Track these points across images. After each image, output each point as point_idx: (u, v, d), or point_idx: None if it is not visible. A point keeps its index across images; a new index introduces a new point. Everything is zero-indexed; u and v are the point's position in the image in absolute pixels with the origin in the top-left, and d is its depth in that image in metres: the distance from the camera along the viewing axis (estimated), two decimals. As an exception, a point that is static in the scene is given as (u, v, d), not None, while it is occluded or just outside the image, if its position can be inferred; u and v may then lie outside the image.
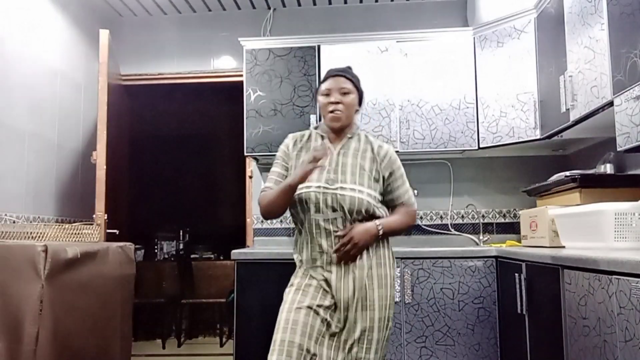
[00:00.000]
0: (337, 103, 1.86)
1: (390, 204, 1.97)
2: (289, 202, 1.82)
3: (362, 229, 1.79)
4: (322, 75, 3.33)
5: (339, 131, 1.92)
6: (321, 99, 1.92)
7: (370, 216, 1.84)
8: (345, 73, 1.94)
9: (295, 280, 1.87)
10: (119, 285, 2.77)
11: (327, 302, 1.79)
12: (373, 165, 1.89)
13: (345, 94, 1.88)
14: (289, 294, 1.82)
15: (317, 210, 1.80)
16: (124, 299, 2.84)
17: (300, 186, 1.80)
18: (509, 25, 3.07)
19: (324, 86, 1.92)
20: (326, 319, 1.77)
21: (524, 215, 2.98)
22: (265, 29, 3.88)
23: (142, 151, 5.56)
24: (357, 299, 1.79)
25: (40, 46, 3.19)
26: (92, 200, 3.20)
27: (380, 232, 1.81)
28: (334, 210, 1.79)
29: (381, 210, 1.90)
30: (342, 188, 1.80)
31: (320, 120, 2.05)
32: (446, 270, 2.75)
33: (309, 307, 1.75)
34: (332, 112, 1.87)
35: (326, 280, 1.80)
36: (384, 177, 1.90)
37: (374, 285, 1.81)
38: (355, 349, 1.78)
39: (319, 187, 1.80)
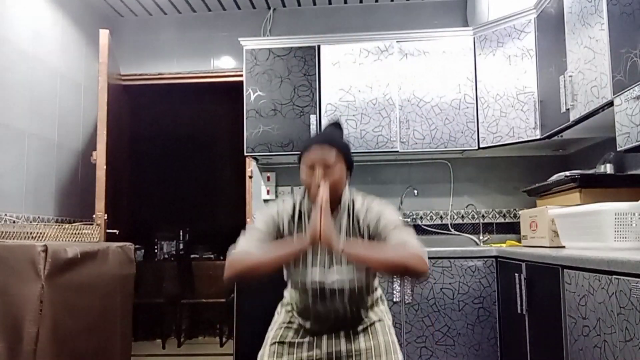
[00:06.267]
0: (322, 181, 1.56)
1: None
2: (274, 271, 1.54)
3: (334, 232, 1.51)
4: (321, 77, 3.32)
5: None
6: (304, 170, 1.62)
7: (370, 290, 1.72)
8: (331, 140, 1.64)
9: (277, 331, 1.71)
10: (119, 285, 2.77)
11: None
12: (367, 234, 1.63)
13: (330, 167, 1.58)
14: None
15: (315, 298, 1.63)
16: (124, 299, 2.84)
17: (295, 278, 1.65)
18: (509, 25, 3.07)
19: (307, 156, 1.61)
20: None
21: (524, 215, 2.98)
22: (265, 29, 3.88)
23: (142, 151, 5.55)
24: None
25: (40, 46, 3.19)
26: (92, 200, 3.20)
27: (340, 249, 1.47)
28: (333, 296, 1.61)
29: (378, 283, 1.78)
30: (340, 281, 1.59)
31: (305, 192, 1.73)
32: (446, 270, 2.75)
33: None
34: (316, 194, 1.56)
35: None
36: (375, 233, 1.61)
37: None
38: None
39: (314, 282, 1.62)
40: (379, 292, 1.81)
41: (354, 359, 1.63)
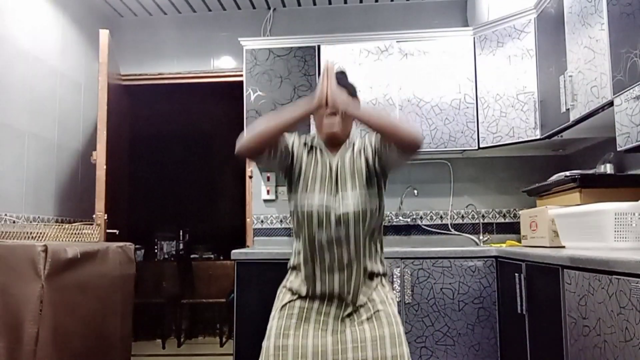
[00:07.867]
0: (333, 114, 1.70)
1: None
2: (290, 130, 1.63)
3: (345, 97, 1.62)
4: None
5: (336, 144, 1.78)
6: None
7: (374, 226, 1.74)
8: (340, 81, 1.76)
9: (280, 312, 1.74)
10: (119, 285, 2.77)
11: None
12: (369, 156, 1.76)
13: None
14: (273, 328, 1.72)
15: (320, 226, 1.69)
16: (124, 299, 2.84)
17: (302, 202, 1.71)
18: (509, 25, 3.07)
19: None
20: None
21: (524, 215, 2.98)
22: (265, 29, 3.88)
23: (142, 151, 5.56)
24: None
25: (40, 46, 3.19)
26: (92, 200, 3.20)
27: (344, 108, 1.59)
28: (338, 224, 1.68)
29: (384, 207, 1.81)
30: (344, 201, 1.68)
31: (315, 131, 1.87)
32: (446, 270, 2.75)
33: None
34: (327, 124, 1.72)
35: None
36: (376, 151, 1.73)
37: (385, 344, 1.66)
38: None
39: (321, 205, 1.69)
40: (384, 266, 1.82)
41: (359, 350, 1.63)
